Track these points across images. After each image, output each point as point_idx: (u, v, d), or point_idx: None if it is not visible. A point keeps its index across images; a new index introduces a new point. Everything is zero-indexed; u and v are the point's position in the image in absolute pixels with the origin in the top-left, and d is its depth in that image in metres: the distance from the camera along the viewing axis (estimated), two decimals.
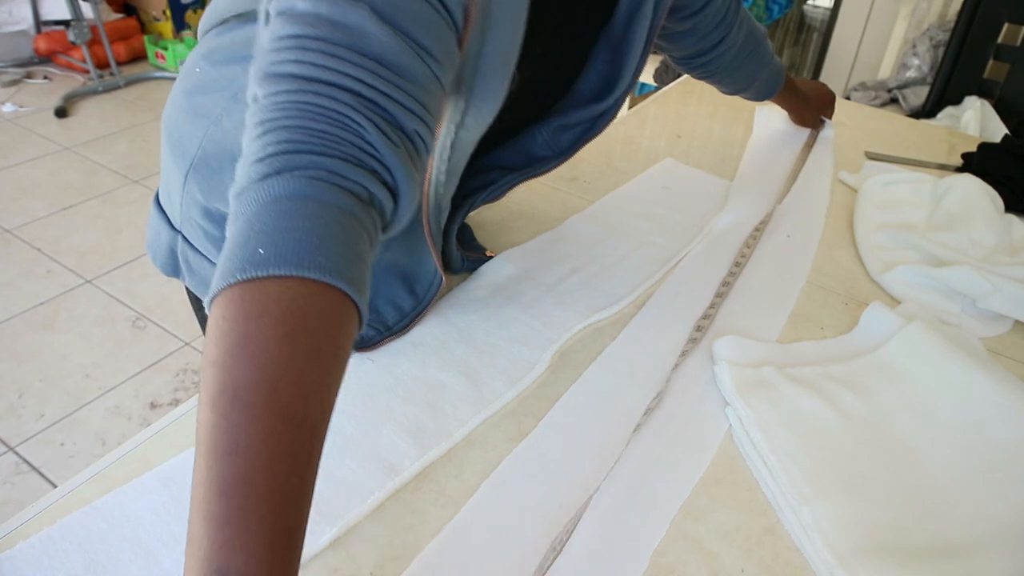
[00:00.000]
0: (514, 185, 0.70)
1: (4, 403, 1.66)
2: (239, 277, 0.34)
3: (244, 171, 0.38)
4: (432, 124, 0.43)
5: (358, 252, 0.38)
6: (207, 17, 0.62)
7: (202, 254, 0.65)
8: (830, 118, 1.17)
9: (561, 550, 0.49)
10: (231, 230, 0.37)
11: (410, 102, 0.40)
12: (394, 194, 0.41)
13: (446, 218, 0.63)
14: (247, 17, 0.56)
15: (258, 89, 0.39)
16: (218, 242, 0.64)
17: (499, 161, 0.69)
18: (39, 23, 3.39)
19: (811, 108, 1.12)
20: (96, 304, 1.98)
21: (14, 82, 3.23)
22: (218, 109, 0.58)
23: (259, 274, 0.34)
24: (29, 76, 3.31)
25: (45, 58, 3.40)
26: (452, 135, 0.52)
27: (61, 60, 3.38)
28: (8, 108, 3.01)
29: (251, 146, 0.38)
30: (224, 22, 0.59)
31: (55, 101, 3.02)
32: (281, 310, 0.34)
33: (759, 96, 1.00)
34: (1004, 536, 0.52)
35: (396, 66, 0.39)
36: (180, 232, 0.66)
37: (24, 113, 3.00)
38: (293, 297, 0.34)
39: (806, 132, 1.18)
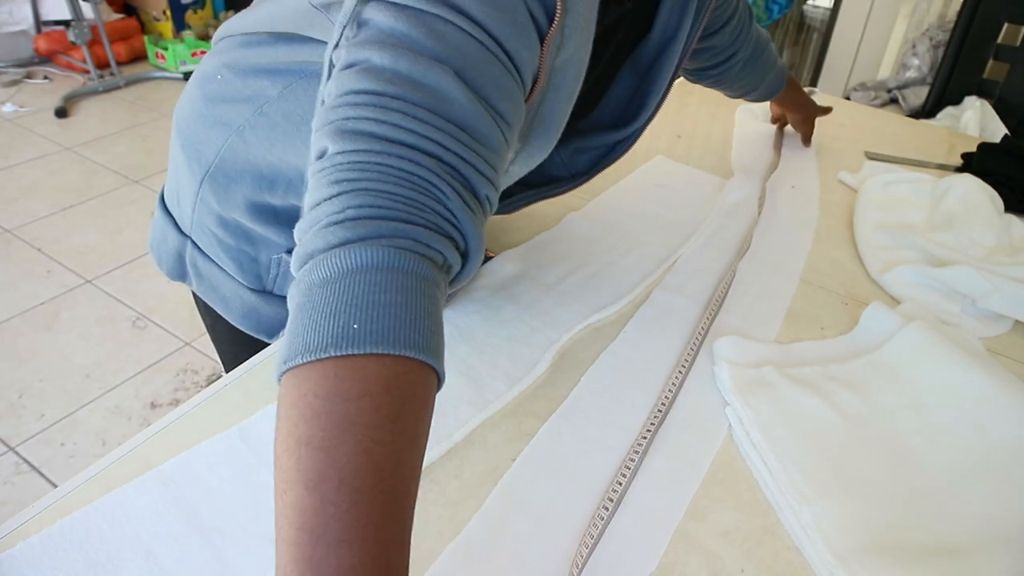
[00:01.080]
0: (529, 202, 0.70)
1: (4, 403, 1.66)
2: (332, 353, 0.32)
3: (317, 232, 0.36)
4: (500, 187, 0.43)
5: (440, 321, 0.37)
6: (234, 24, 0.61)
7: (213, 261, 0.65)
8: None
9: (584, 558, 0.49)
10: (302, 295, 0.35)
11: (485, 168, 0.40)
12: (464, 258, 0.41)
13: None
14: (280, 37, 0.55)
15: (330, 144, 0.37)
16: (231, 250, 0.63)
17: (519, 179, 0.69)
18: (39, 23, 3.39)
19: (813, 107, 1.11)
20: (96, 304, 1.98)
21: (14, 82, 3.23)
22: (241, 120, 0.58)
23: (355, 352, 0.32)
24: (29, 76, 3.31)
25: (45, 58, 3.40)
26: None
27: (61, 60, 3.38)
28: (8, 108, 3.01)
29: (324, 206, 0.36)
30: (253, 34, 0.58)
31: (55, 101, 3.02)
32: (381, 391, 0.33)
33: (763, 97, 1.00)
34: (1004, 536, 0.52)
35: (475, 132, 0.38)
36: (190, 237, 0.66)
37: (24, 113, 3.00)
38: (391, 377, 0.33)
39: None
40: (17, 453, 1.54)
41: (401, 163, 0.36)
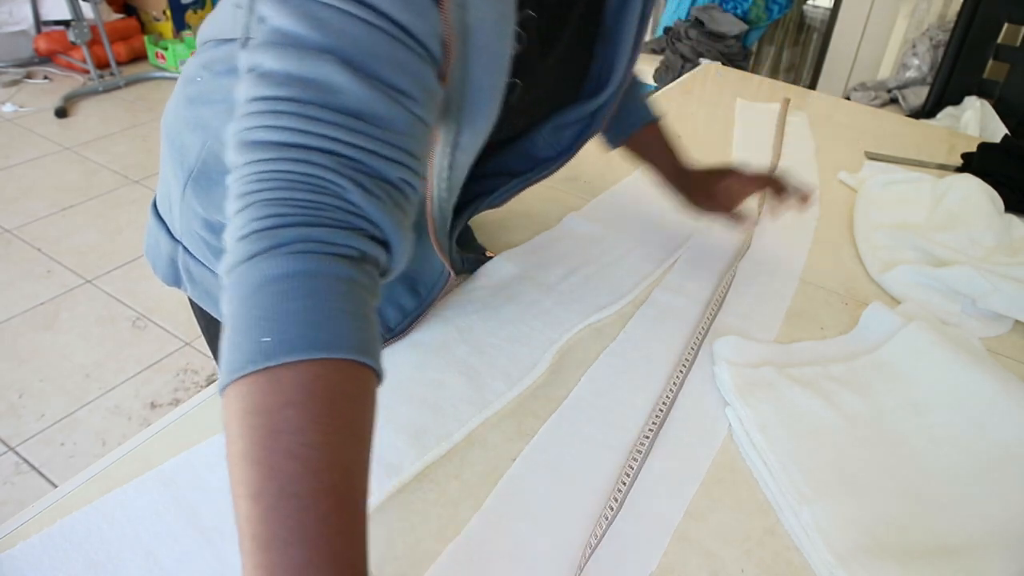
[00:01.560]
0: (519, 190, 0.70)
1: (4, 403, 1.66)
2: (251, 369, 0.34)
3: (232, 246, 0.37)
4: (418, 165, 0.42)
5: (361, 314, 0.38)
6: (207, 28, 0.61)
7: (204, 265, 0.65)
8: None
9: (586, 559, 0.49)
10: (226, 309, 0.37)
11: (391, 151, 0.39)
12: (385, 245, 0.41)
13: (450, 225, 0.62)
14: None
15: (236, 156, 0.38)
16: (220, 253, 0.63)
17: (503, 166, 0.68)
18: (39, 23, 3.39)
19: (694, 182, 0.78)
20: (96, 304, 1.98)
21: (14, 82, 3.23)
22: (217, 121, 0.58)
23: (270, 364, 0.34)
24: (29, 76, 3.31)
25: (45, 58, 3.40)
26: (449, 156, 0.51)
27: (61, 60, 3.38)
28: (8, 108, 3.01)
29: (235, 220, 0.38)
30: (223, 36, 0.59)
31: (55, 101, 3.02)
32: (304, 397, 0.34)
33: (622, 123, 0.79)
34: (1004, 536, 0.52)
35: (373, 117, 0.38)
36: (180, 242, 0.66)
37: (24, 113, 3.00)
38: (310, 380, 0.34)
39: (775, 114, 1.23)
40: (17, 453, 1.54)
41: (296, 167, 0.37)
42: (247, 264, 0.36)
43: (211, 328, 0.72)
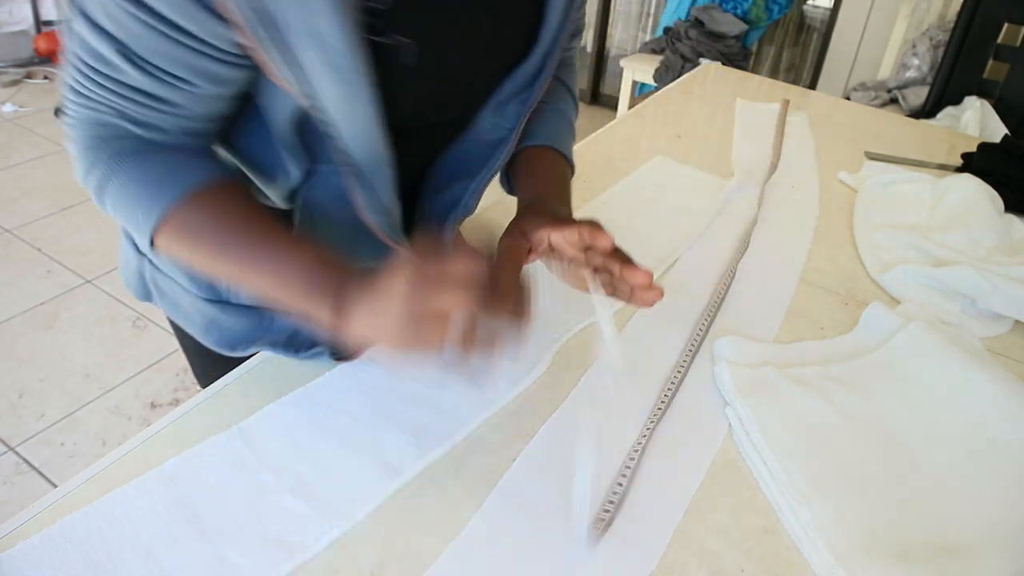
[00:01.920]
0: (481, 189, 0.66)
1: (4, 403, 1.66)
2: (150, 238, 0.50)
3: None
4: (200, 123, 0.53)
5: (156, 173, 0.51)
6: None
7: (170, 276, 0.64)
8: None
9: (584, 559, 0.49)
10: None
11: (162, 117, 0.50)
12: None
13: (402, 217, 0.61)
14: None
15: (60, 89, 0.51)
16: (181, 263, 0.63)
17: (459, 169, 0.64)
18: (39, 23, 3.39)
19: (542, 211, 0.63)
20: (96, 304, 1.98)
21: (14, 82, 3.23)
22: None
23: (154, 224, 0.50)
24: (29, 76, 3.31)
25: (45, 58, 3.40)
26: (327, 150, 0.54)
27: (61, 60, 3.38)
28: (8, 108, 3.01)
29: (68, 139, 0.53)
30: None
31: (55, 101, 3.02)
32: (198, 221, 0.50)
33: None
34: (1004, 536, 0.52)
35: (146, 94, 0.49)
36: (146, 256, 0.65)
37: (24, 113, 3.00)
38: (162, 236, 0.50)
39: (775, 114, 1.23)
40: (17, 453, 1.54)
41: (89, 113, 0.51)
42: (88, 175, 0.52)
43: (184, 339, 0.71)
